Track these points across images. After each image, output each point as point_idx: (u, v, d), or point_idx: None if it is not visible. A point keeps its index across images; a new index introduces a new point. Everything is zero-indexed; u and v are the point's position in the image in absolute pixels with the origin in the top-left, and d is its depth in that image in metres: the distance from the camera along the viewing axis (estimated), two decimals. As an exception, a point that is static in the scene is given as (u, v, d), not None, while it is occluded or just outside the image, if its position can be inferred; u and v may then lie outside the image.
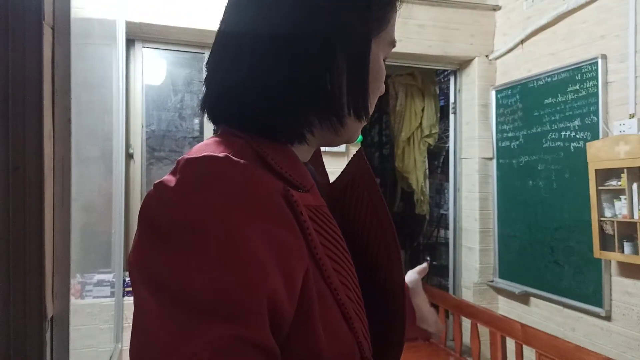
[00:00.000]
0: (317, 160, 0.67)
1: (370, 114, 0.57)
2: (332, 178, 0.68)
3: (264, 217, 0.42)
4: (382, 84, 0.58)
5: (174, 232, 0.40)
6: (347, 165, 0.63)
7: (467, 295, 3.17)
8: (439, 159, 4.37)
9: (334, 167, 0.69)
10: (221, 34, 0.54)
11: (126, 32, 2.33)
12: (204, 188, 0.41)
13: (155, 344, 0.38)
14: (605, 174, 2.22)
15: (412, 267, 0.84)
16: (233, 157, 0.43)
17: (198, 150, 0.47)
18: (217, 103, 0.53)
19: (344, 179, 0.63)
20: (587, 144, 2.32)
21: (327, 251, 0.49)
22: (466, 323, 2.78)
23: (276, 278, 0.40)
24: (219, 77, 0.53)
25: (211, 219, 0.39)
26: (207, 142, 0.50)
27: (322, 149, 0.68)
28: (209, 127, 3.00)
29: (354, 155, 0.63)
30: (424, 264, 0.87)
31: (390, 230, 0.58)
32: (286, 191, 0.45)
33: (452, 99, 3.40)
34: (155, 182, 0.43)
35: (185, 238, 0.39)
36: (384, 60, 0.58)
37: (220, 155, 0.43)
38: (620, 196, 2.14)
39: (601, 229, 2.25)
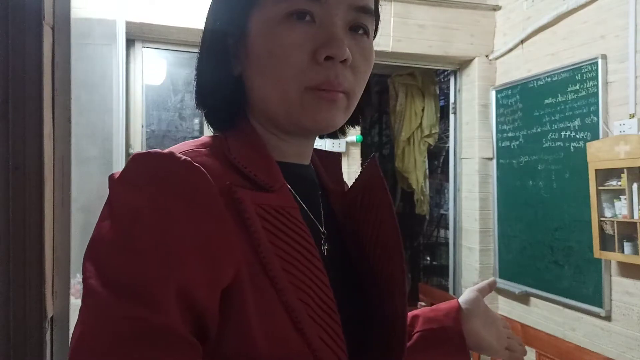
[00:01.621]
0: (333, 168, 0.67)
1: (275, 84, 0.52)
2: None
3: (189, 210, 0.43)
4: (277, 45, 0.50)
5: (110, 216, 0.44)
6: (360, 173, 0.62)
7: (467, 295, 3.16)
8: (439, 159, 4.37)
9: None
10: None
11: (126, 32, 2.33)
12: (139, 180, 0.44)
13: (79, 320, 0.42)
14: (605, 174, 2.22)
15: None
16: (176, 154, 0.45)
17: (173, 147, 0.52)
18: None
19: (356, 188, 0.62)
20: (587, 144, 2.32)
21: (278, 251, 0.47)
22: (466, 323, 2.78)
23: (191, 269, 0.42)
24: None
25: (138, 208, 0.43)
26: (190, 140, 0.55)
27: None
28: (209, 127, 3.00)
29: (367, 162, 0.61)
30: (492, 279, 0.78)
31: (397, 244, 0.57)
32: (230, 189, 0.47)
33: (452, 99, 3.40)
34: (109, 175, 0.47)
35: (117, 224, 0.43)
36: (302, 18, 0.50)
37: (165, 151, 0.46)
38: (620, 196, 2.14)
39: (601, 229, 2.24)
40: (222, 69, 0.55)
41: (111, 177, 0.46)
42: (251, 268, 0.46)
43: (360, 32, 0.54)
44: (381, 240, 0.58)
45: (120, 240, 0.42)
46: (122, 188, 0.45)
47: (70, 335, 0.90)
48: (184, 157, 0.45)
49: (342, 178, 0.67)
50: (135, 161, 0.45)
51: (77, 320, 0.42)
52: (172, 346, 0.40)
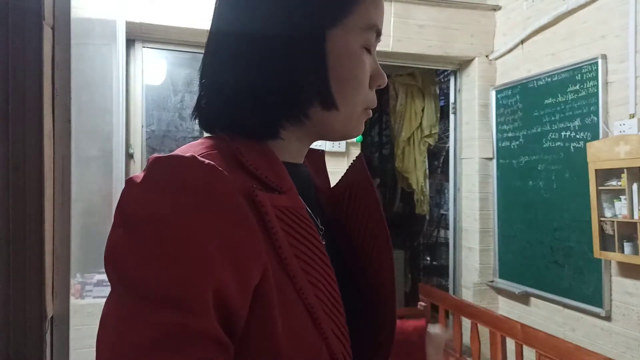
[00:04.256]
0: (319, 165, 0.68)
1: (349, 104, 0.56)
2: (332, 178, 0.68)
3: (218, 215, 0.43)
4: (360, 71, 0.56)
5: (135, 225, 0.43)
6: (347, 170, 0.64)
7: (467, 295, 3.16)
8: (439, 159, 4.37)
9: (334, 167, 0.70)
10: (208, 36, 0.59)
11: (126, 32, 2.33)
12: (165, 185, 0.43)
13: (109, 328, 0.41)
14: (605, 174, 2.22)
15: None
16: (199, 158, 0.45)
17: (181, 149, 0.51)
18: (203, 107, 0.57)
19: (343, 184, 0.64)
20: (587, 144, 2.32)
21: (295, 251, 0.49)
22: (466, 323, 2.77)
23: (225, 273, 0.42)
24: (203, 80, 0.57)
25: (167, 215, 0.42)
26: (194, 142, 0.53)
27: (322, 148, 0.69)
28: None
29: (354, 160, 0.63)
30: (449, 334, 0.84)
31: (384, 236, 0.59)
32: (251, 192, 0.47)
33: (452, 99, 3.40)
34: (127, 178, 0.46)
35: (144, 231, 0.42)
36: (368, 50, 0.57)
37: (187, 155, 0.45)
38: (620, 196, 2.14)
39: (601, 229, 2.24)
40: (274, 74, 0.52)
41: (131, 181, 0.45)
42: (274, 269, 0.47)
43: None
44: (369, 233, 0.60)
45: (150, 248, 0.42)
46: (146, 194, 0.44)
47: (71, 335, 0.90)
48: (207, 161, 0.45)
49: (327, 174, 0.69)
50: (157, 166, 0.44)
51: (107, 330, 0.41)
52: (211, 349, 0.41)
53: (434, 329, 0.80)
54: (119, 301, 0.42)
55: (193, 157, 0.44)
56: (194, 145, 0.52)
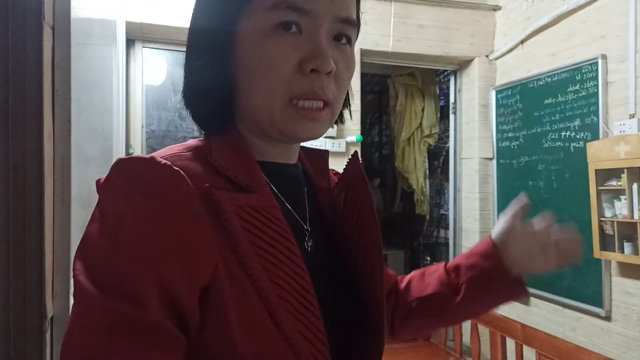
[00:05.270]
0: (321, 165, 0.68)
1: (264, 95, 0.52)
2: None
3: (167, 212, 0.45)
4: (264, 56, 0.51)
5: (98, 218, 0.46)
6: (344, 169, 0.64)
7: (467, 295, 3.16)
8: (439, 159, 4.38)
9: (333, 167, 0.69)
10: None
11: (126, 32, 2.33)
12: (122, 185, 0.47)
13: (71, 311, 0.44)
14: (605, 174, 2.22)
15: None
16: (157, 158, 0.47)
17: (163, 150, 0.54)
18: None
19: (341, 185, 0.64)
20: (587, 144, 2.32)
21: (257, 250, 0.49)
22: (466, 323, 2.78)
23: (171, 268, 0.44)
24: None
25: (122, 212, 0.45)
26: (176, 144, 0.56)
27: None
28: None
29: (349, 159, 0.63)
30: (522, 199, 0.75)
31: (376, 238, 0.60)
32: (209, 191, 0.48)
33: (452, 99, 3.40)
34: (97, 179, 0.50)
35: (104, 226, 0.46)
36: (285, 26, 0.51)
37: (146, 156, 0.48)
38: (620, 196, 2.14)
39: (601, 229, 2.24)
40: (211, 70, 0.55)
41: (98, 182, 0.49)
42: (230, 267, 0.47)
43: (343, 41, 0.55)
44: (363, 234, 0.60)
45: (107, 241, 0.45)
46: (107, 192, 0.47)
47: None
48: (164, 161, 0.47)
49: (329, 175, 0.68)
50: (118, 166, 0.47)
51: (70, 317, 0.44)
52: (155, 338, 0.42)
53: (500, 229, 0.73)
54: (80, 289, 0.44)
55: (151, 158, 0.47)
56: (172, 148, 0.54)
